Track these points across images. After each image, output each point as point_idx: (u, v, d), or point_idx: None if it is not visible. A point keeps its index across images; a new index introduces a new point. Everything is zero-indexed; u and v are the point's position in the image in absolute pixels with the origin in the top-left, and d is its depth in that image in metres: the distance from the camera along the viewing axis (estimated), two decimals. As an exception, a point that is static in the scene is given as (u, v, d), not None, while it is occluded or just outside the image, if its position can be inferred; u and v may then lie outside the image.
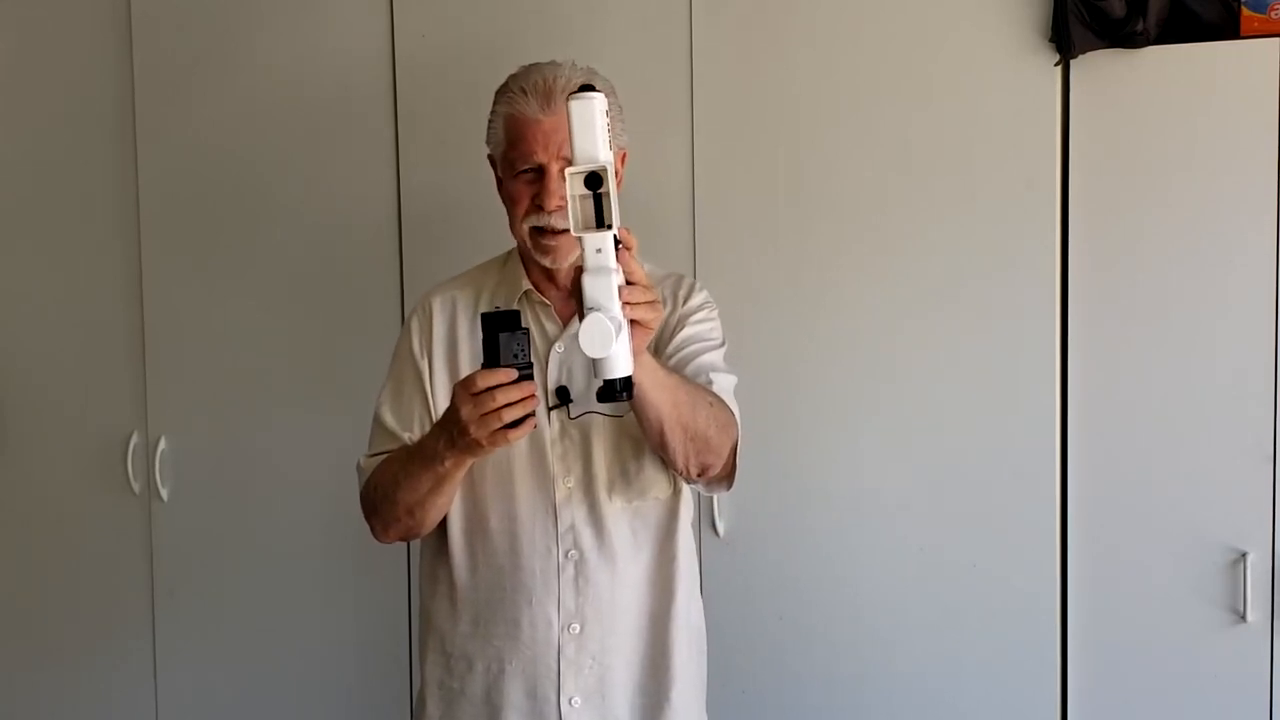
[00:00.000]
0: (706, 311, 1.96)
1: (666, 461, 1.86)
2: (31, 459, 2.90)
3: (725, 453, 1.86)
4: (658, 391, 1.73)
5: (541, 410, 1.86)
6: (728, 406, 1.88)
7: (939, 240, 2.33)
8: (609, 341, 1.60)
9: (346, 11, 2.61)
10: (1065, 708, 2.33)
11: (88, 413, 2.84)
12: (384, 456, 1.92)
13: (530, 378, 1.67)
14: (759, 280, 2.37)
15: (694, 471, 1.85)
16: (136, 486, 2.79)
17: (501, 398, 1.64)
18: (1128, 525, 2.28)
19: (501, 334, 1.65)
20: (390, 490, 1.86)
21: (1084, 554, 2.30)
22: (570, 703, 1.90)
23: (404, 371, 1.97)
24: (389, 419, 1.95)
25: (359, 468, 1.97)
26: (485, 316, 1.68)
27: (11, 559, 2.92)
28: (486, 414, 1.64)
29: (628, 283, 1.62)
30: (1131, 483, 2.28)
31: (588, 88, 1.62)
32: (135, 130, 2.75)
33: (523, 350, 1.67)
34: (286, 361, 2.70)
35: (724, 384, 1.91)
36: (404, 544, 2.60)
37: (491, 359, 1.66)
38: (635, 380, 1.64)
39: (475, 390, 1.65)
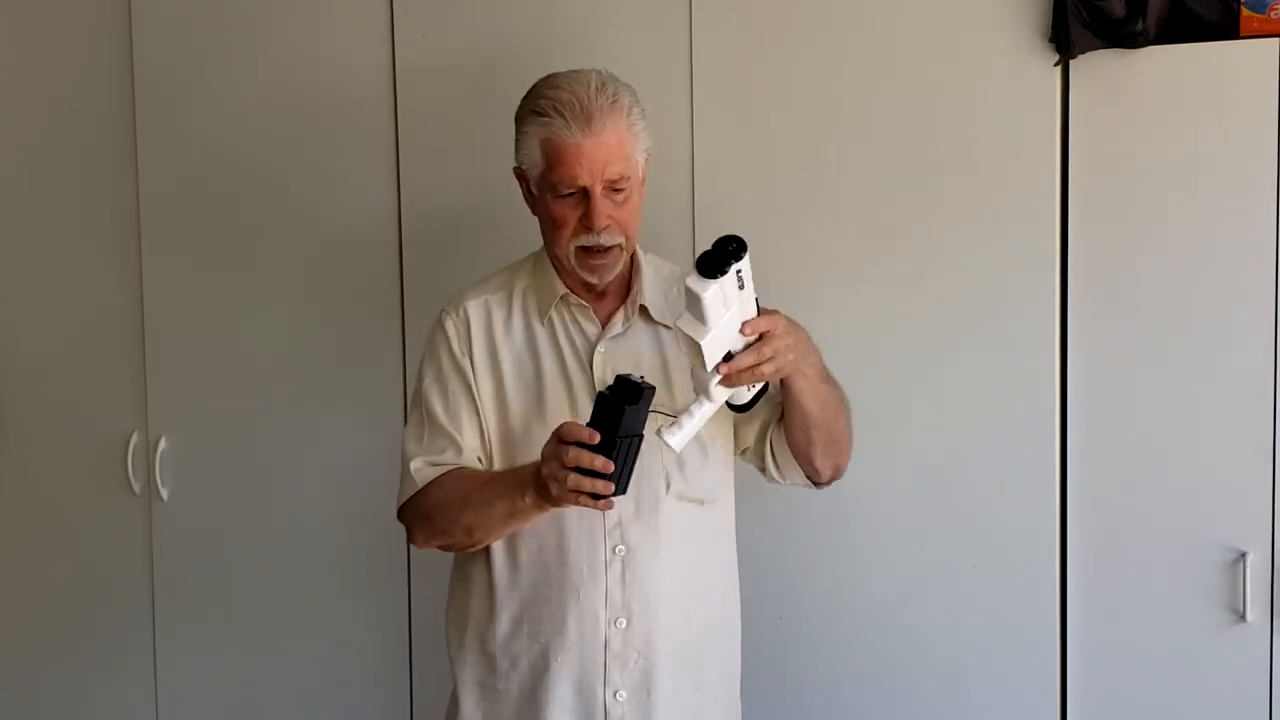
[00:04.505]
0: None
1: (805, 469, 1.95)
2: (31, 459, 2.89)
3: (850, 448, 1.98)
4: (811, 402, 1.85)
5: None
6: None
7: (938, 240, 2.33)
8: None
9: (346, 11, 2.61)
10: (1065, 707, 2.33)
11: (88, 413, 2.83)
12: (444, 467, 1.90)
13: (631, 448, 1.68)
14: (758, 279, 2.36)
15: (828, 475, 1.97)
16: (136, 486, 2.79)
17: (586, 463, 1.66)
18: (1128, 525, 2.28)
19: (628, 406, 1.65)
20: (455, 508, 1.86)
21: (1084, 554, 2.30)
22: (615, 696, 1.91)
23: (446, 371, 1.95)
24: (441, 415, 1.93)
25: (409, 469, 1.93)
26: (617, 381, 1.67)
27: (11, 559, 2.92)
28: (565, 467, 1.67)
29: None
30: (1131, 483, 2.27)
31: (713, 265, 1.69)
32: (135, 130, 2.75)
33: (639, 423, 1.68)
34: (286, 362, 2.70)
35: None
36: (405, 546, 2.60)
37: (608, 426, 1.66)
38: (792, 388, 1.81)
39: (563, 439, 1.68)
